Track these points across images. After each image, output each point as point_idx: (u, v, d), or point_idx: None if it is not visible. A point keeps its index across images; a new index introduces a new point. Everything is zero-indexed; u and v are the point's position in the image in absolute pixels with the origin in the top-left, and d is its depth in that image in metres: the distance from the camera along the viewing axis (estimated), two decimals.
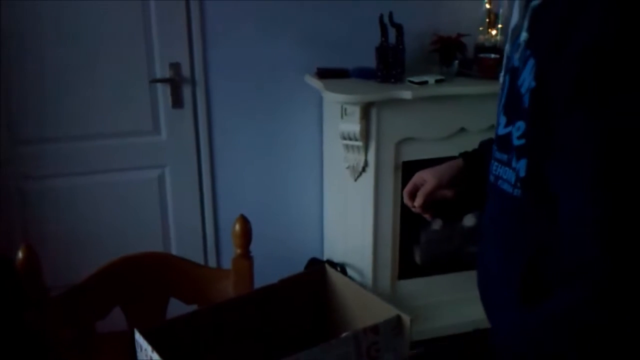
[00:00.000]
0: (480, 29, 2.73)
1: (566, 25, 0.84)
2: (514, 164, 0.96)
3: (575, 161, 0.82)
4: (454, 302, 2.79)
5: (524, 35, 0.94)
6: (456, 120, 2.59)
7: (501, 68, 2.66)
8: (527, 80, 0.91)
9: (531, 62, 0.91)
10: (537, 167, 0.90)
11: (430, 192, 1.23)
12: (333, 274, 1.19)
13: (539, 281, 0.94)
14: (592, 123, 0.80)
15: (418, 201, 1.23)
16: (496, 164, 1.03)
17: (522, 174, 0.93)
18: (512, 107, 0.97)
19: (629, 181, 0.78)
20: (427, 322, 2.67)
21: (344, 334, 0.99)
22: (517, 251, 0.98)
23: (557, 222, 0.87)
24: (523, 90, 0.91)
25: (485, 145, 1.26)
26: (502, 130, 1.00)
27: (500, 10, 2.71)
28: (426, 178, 1.25)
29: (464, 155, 1.29)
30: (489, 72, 2.57)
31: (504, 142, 0.99)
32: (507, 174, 0.99)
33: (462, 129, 2.59)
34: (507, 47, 1.05)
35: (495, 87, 2.63)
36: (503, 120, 1.00)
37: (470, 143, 2.57)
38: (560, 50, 0.83)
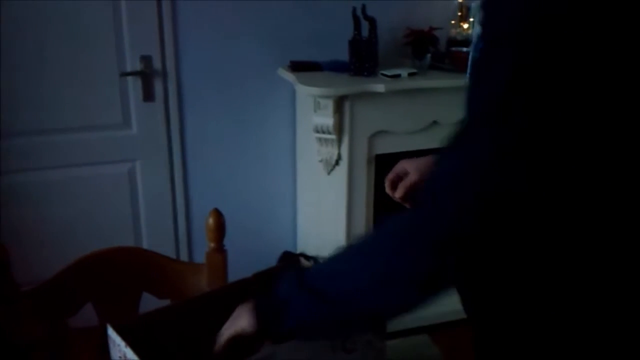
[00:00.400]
0: (452, 22, 2.75)
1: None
2: None
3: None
4: None
5: (477, 29, 0.94)
6: (429, 113, 2.60)
7: None
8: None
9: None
10: None
11: (411, 186, 1.23)
12: (308, 266, 1.18)
13: None
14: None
15: (399, 193, 1.24)
16: None
17: None
18: None
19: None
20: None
21: None
22: None
23: None
24: None
25: None
26: None
27: (472, 4, 2.73)
28: (408, 169, 1.25)
29: None
30: (461, 65, 2.58)
31: None
32: None
33: (435, 122, 2.60)
34: None
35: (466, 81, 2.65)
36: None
37: (442, 136, 2.60)
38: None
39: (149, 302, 1.40)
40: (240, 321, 0.95)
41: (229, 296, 1.11)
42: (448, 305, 2.58)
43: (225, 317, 1.09)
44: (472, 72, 0.87)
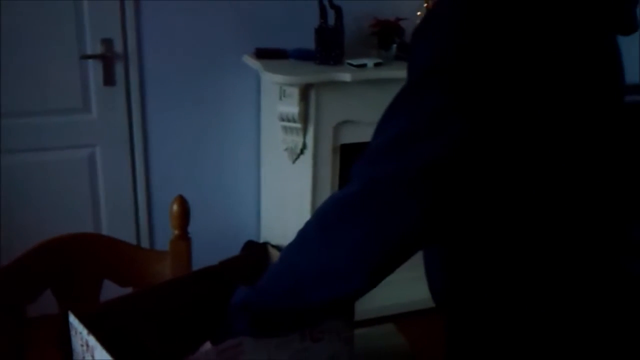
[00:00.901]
0: (419, 13, 2.75)
1: None
2: None
3: None
4: (395, 282, 2.81)
5: None
6: None
7: None
8: None
9: None
10: None
11: None
12: (275, 255, 1.17)
13: None
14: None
15: None
16: None
17: None
18: None
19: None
20: (369, 302, 2.68)
21: None
22: None
23: None
24: None
25: None
26: None
27: None
28: None
29: None
30: None
31: None
32: None
33: None
34: None
35: None
36: None
37: None
38: None
39: (111, 290, 1.37)
40: None
41: (194, 283, 1.10)
42: (412, 295, 2.62)
43: (190, 304, 1.07)
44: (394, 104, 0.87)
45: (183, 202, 1.38)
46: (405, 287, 2.62)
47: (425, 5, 2.74)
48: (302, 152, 2.58)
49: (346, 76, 2.42)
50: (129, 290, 1.41)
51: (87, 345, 0.90)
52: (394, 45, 2.64)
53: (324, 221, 0.86)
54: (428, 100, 0.79)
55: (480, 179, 0.80)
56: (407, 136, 0.80)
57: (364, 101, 2.56)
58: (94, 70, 2.52)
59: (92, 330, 0.89)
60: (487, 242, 0.88)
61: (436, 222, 0.79)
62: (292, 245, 0.92)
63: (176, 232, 1.39)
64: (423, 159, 0.77)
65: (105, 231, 2.67)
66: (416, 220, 0.78)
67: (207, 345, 0.91)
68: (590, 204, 0.88)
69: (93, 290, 1.38)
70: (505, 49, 0.78)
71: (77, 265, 1.36)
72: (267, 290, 0.92)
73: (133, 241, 2.72)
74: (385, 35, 2.66)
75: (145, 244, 2.77)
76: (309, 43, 2.55)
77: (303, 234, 0.90)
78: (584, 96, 0.84)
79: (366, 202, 0.80)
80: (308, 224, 0.89)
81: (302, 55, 2.58)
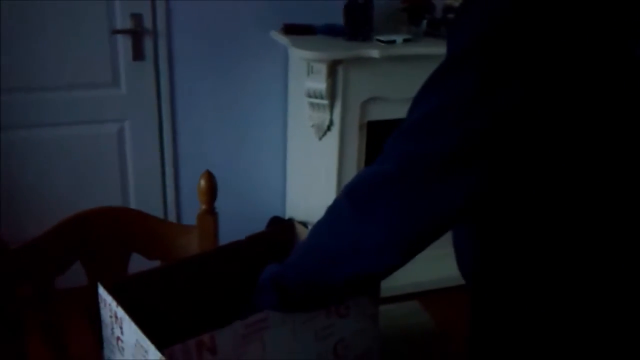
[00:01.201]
0: None
1: None
2: None
3: None
4: (420, 260, 2.80)
5: None
6: (422, 80, 2.56)
7: None
8: None
9: None
10: None
11: None
12: (301, 231, 1.17)
13: None
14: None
15: None
16: None
17: None
18: None
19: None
20: (394, 279, 2.68)
21: None
22: None
23: None
24: None
25: None
26: None
27: None
28: None
29: None
30: None
31: None
32: None
33: None
34: None
35: None
36: None
37: None
38: None
39: (139, 263, 1.39)
40: None
41: (222, 258, 1.11)
42: (437, 272, 2.61)
43: (217, 278, 1.08)
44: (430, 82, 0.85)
45: (211, 178, 1.39)
46: (430, 265, 2.61)
47: None
48: (328, 128, 2.57)
49: (374, 52, 2.40)
50: (156, 263, 1.43)
51: (116, 317, 0.92)
52: (424, 22, 2.61)
53: (356, 197, 0.85)
54: (468, 75, 0.77)
55: (517, 158, 0.79)
56: (445, 112, 0.78)
57: (392, 78, 2.53)
58: (124, 45, 2.53)
59: (120, 301, 0.91)
60: (518, 222, 0.86)
61: (474, 201, 0.78)
62: (321, 221, 0.91)
63: (203, 206, 1.40)
64: (461, 136, 0.76)
65: (133, 205, 2.70)
66: (453, 200, 0.77)
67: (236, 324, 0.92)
68: (613, 202, 0.86)
69: (121, 263, 1.40)
70: (548, 35, 0.76)
71: (105, 238, 1.38)
72: (297, 266, 0.92)
73: (160, 215, 2.75)
74: (415, 11, 2.63)
75: (172, 217, 2.80)
76: (338, 19, 2.52)
77: (333, 209, 0.89)
78: (620, 93, 0.81)
79: (401, 179, 0.79)
80: (338, 200, 0.89)
81: (330, 31, 2.56)
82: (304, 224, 3.07)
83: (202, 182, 1.38)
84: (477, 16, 0.79)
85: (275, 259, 0.99)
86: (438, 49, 2.47)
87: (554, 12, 0.76)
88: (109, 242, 1.38)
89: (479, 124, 0.76)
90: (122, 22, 2.49)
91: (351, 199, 0.85)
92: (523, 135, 0.78)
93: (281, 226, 1.18)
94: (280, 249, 1.15)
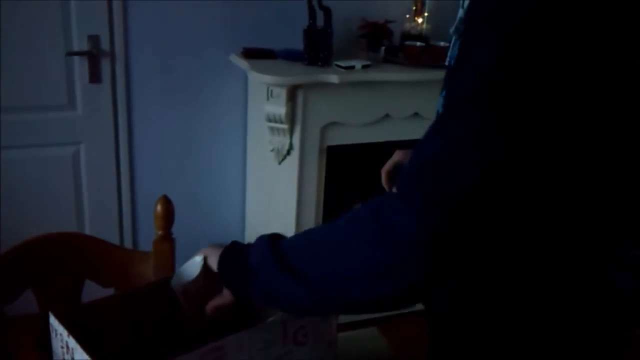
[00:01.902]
0: (407, 16, 2.75)
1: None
2: None
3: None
4: None
5: (460, 12, 0.93)
6: (381, 106, 2.60)
7: (427, 57, 2.67)
8: (450, 57, 0.94)
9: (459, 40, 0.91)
10: None
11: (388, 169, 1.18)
12: None
13: None
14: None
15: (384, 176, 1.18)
16: None
17: None
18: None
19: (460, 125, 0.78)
20: None
21: (270, 318, 0.97)
22: None
23: None
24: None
25: None
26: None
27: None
28: (404, 159, 1.19)
29: None
30: (414, 59, 2.59)
31: None
32: None
33: (387, 115, 2.61)
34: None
35: (420, 75, 2.66)
36: (440, 100, 1.01)
37: (394, 129, 2.62)
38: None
39: (93, 291, 1.36)
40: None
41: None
42: None
43: (173, 307, 1.06)
44: (457, 55, 0.84)
45: (167, 203, 1.37)
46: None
47: (414, 8, 2.75)
48: (288, 153, 2.57)
49: (334, 78, 2.42)
50: (111, 291, 1.40)
51: (67, 347, 0.89)
52: (383, 48, 2.64)
53: (368, 217, 0.81)
54: (467, 123, 0.76)
55: (530, 173, 0.78)
56: (458, 149, 0.76)
57: (351, 103, 2.56)
58: (80, 67, 2.50)
59: (72, 331, 0.88)
60: (511, 233, 0.85)
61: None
62: (335, 230, 0.85)
63: (160, 232, 1.38)
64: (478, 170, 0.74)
65: (88, 229, 2.65)
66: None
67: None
68: (594, 213, 0.86)
69: (74, 290, 1.36)
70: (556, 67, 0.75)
71: (59, 265, 1.34)
72: (297, 268, 0.85)
73: (116, 240, 2.70)
74: (374, 37, 2.66)
75: (128, 242, 2.75)
76: (298, 43, 2.54)
77: (354, 225, 0.83)
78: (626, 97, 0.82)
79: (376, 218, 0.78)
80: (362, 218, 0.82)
81: (290, 56, 2.57)
82: None
83: (159, 207, 1.36)
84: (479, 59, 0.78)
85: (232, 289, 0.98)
86: (396, 75, 2.54)
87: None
88: (62, 269, 1.35)
89: (494, 155, 0.74)
90: (79, 43, 2.46)
91: (372, 216, 0.80)
92: (536, 156, 0.77)
93: None
94: None
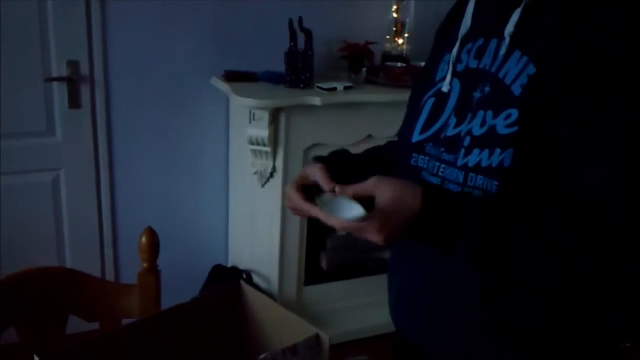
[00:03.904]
0: (388, 37, 2.77)
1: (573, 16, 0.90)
2: (460, 162, 0.97)
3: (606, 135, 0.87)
4: (358, 308, 2.81)
5: (509, 29, 0.96)
6: (364, 127, 2.60)
7: (409, 78, 2.68)
8: (513, 72, 0.95)
9: (517, 55, 0.95)
10: (525, 155, 0.92)
11: (299, 183, 1.04)
12: (249, 291, 1.14)
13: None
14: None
15: (290, 192, 1.04)
16: (443, 166, 1.01)
17: (507, 163, 0.92)
18: (475, 104, 0.98)
19: None
20: (333, 328, 2.67)
21: (261, 356, 0.95)
22: None
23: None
24: (509, 81, 0.95)
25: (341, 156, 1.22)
26: (451, 132, 1.01)
27: (407, 20, 2.75)
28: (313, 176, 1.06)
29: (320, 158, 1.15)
30: (395, 80, 2.60)
31: (452, 143, 1.00)
32: (453, 174, 0.99)
33: (370, 136, 2.61)
34: (453, 54, 1.05)
35: (401, 96, 2.66)
36: (453, 122, 1.01)
37: None
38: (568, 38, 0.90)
39: (77, 326, 1.33)
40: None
41: (164, 323, 1.06)
42: (374, 321, 2.63)
43: (160, 345, 1.04)
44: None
45: (152, 235, 1.34)
46: (368, 312, 2.67)
47: (394, 29, 2.76)
48: (272, 175, 2.55)
49: (316, 100, 2.41)
50: (95, 325, 1.37)
51: None
52: (364, 69, 2.64)
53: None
54: None
55: None
56: None
57: (334, 124, 2.55)
58: (59, 93, 2.46)
59: None
60: None
61: None
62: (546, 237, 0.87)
63: (145, 265, 1.35)
64: None
65: (68, 259, 2.61)
66: None
67: None
68: None
69: (58, 326, 1.33)
70: None
71: (40, 302, 1.31)
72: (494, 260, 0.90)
73: (97, 269, 2.66)
74: (355, 59, 2.66)
75: (110, 274, 2.70)
76: (279, 66, 2.54)
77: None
78: None
79: None
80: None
81: (272, 79, 2.56)
82: (248, 272, 3.02)
83: (144, 240, 1.34)
84: None
85: (222, 323, 0.96)
86: (378, 96, 2.54)
87: None
88: (45, 305, 1.32)
89: None
90: (58, 69, 2.43)
91: None
92: None
93: (227, 287, 1.14)
94: (227, 311, 1.12)
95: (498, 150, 0.93)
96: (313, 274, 2.78)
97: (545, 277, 0.90)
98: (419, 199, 0.88)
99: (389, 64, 2.68)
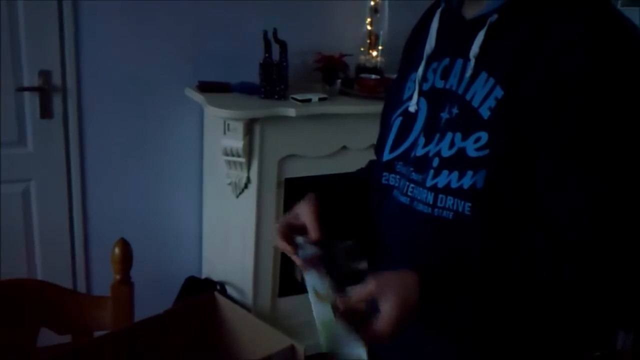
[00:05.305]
0: (362, 49, 2.79)
1: (536, 38, 0.90)
2: (429, 182, 0.97)
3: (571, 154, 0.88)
4: None
5: (474, 51, 0.95)
6: (338, 138, 2.61)
7: (382, 89, 2.70)
8: (480, 93, 0.94)
9: (483, 76, 0.94)
10: (497, 177, 0.92)
11: (289, 221, 1.07)
12: (223, 302, 1.14)
13: None
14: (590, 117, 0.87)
15: (279, 231, 1.06)
16: (412, 185, 1.02)
17: (479, 185, 0.93)
18: (443, 125, 0.98)
19: (625, 171, 0.87)
20: (307, 339, 2.65)
21: None
22: None
23: (496, 237, 0.94)
24: (476, 103, 0.94)
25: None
26: (420, 152, 1.01)
27: (381, 32, 2.78)
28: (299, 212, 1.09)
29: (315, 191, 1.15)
30: (369, 92, 2.62)
31: (420, 163, 1.00)
32: (422, 194, 0.99)
33: (344, 147, 2.62)
34: (418, 73, 1.05)
35: (375, 107, 2.69)
36: (422, 141, 1.01)
37: (351, 161, 2.61)
38: (535, 59, 0.90)
39: (49, 338, 1.31)
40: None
41: (137, 335, 1.05)
42: None
43: (132, 357, 1.03)
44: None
45: (125, 246, 1.33)
46: None
47: (368, 41, 2.78)
48: (246, 186, 2.55)
49: (291, 111, 2.42)
50: (67, 338, 1.35)
51: None
52: (339, 81, 2.66)
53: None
54: None
55: None
56: None
57: (308, 135, 2.56)
58: (31, 103, 2.43)
59: None
60: None
61: None
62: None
63: (118, 276, 1.34)
64: None
65: (39, 272, 2.56)
66: None
67: None
68: None
69: (29, 339, 1.31)
70: None
71: (11, 314, 1.29)
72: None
73: (69, 281, 2.62)
74: (329, 70, 2.68)
75: (81, 286, 2.66)
76: (253, 77, 2.54)
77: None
78: None
79: None
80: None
81: (246, 89, 2.56)
82: (222, 284, 3.00)
83: (117, 250, 1.33)
84: None
85: (196, 334, 0.95)
86: (352, 107, 2.56)
87: None
88: (15, 317, 1.29)
89: None
90: (30, 79, 2.40)
91: None
92: None
93: (201, 298, 1.14)
94: (201, 323, 1.11)
95: (470, 172, 0.93)
96: (287, 285, 2.77)
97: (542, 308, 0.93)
98: (417, 291, 0.90)
99: (363, 75, 2.70)
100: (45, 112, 2.46)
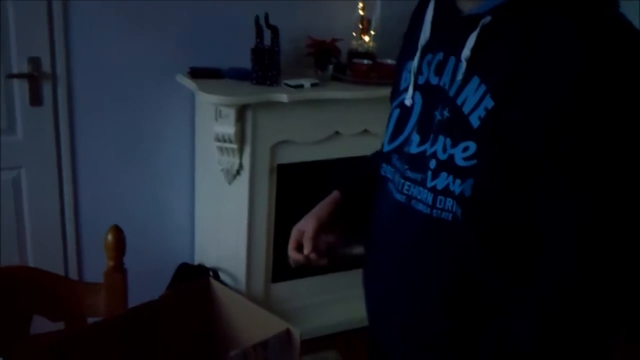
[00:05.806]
0: (354, 34, 2.77)
1: (527, 48, 0.88)
2: (429, 183, 0.97)
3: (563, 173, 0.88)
4: (326, 304, 2.82)
5: (465, 53, 0.93)
6: (331, 123, 2.60)
7: (375, 75, 2.68)
8: (471, 100, 0.93)
9: (475, 81, 0.92)
10: (485, 187, 0.91)
11: (315, 235, 1.14)
12: (218, 287, 1.13)
13: (463, 300, 0.98)
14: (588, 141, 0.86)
15: (307, 248, 1.13)
16: (408, 183, 1.01)
17: (467, 193, 0.92)
18: (437, 126, 0.97)
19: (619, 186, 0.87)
20: (301, 324, 2.66)
21: (232, 352, 0.95)
22: (438, 272, 0.99)
23: (488, 243, 0.94)
24: (467, 110, 0.93)
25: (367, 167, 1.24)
26: (415, 149, 1.00)
27: (373, 17, 2.76)
28: (304, 227, 1.16)
29: (340, 186, 1.23)
30: (361, 77, 2.61)
31: (417, 161, 0.99)
32: (422, 194, 0.98)
33: (337, 133, 2.61)
34: (414, 63, 1.04)
35: (367, 92, 2.68)
36: (416, 138, 1.01)
37: (344, 146, 2.63)
38: (527, 72, 0.88)
39: (42, 325, 1.31)
40: None
41: (132, 320, 1.05)
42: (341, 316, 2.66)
43: (131, 343, 1.03)
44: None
45: (118, 232, 1.33)
46: (335, 308, 2.72)
47: (360, 26, 2.77)
48: (238, 172, 2.54)
49: (283, 97, 2.41)
50: (60, 325, 1.34)
51: None
52: (331, 66, 2.65)
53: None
54: None
55: None
56: None
57: (301, 121, 2.55)
58: (20, 90, 2.41)
59: None
60: None
61: None
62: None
63: (111, 263, 1.33)
64: None
65: (31, 260, 2.55)
66: None
67: None
68: None
69: (22, 326, 1.31)
70: None
71: (4, 302, 1.28)
72: None
73: (61, 269, 2.61)
74: (321, 56, 2.66)
75: (73, 273, 2.65)
76: (244, 62, 2.52)
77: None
78: None
79: None
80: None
81: (238, 75, 2.55)
82: (215, 270, 3.00)
83: (110, 237, 1.32)
84: None
85: (191, 320, 0.95)
86: (344, 93, 2.55)
87: None
88: (8, 305, 1.29)
89: None
90: (19, 65, 2.38)
91: None
92: None
93: (196, 284, 1.13)
94: (196, 308, 1.11)
95: (458, 181, 0.93)
96: (280, 271, 2.77)
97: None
98: None
99: (355, 60, 2.69)
100: (35, 99, 2.44)
